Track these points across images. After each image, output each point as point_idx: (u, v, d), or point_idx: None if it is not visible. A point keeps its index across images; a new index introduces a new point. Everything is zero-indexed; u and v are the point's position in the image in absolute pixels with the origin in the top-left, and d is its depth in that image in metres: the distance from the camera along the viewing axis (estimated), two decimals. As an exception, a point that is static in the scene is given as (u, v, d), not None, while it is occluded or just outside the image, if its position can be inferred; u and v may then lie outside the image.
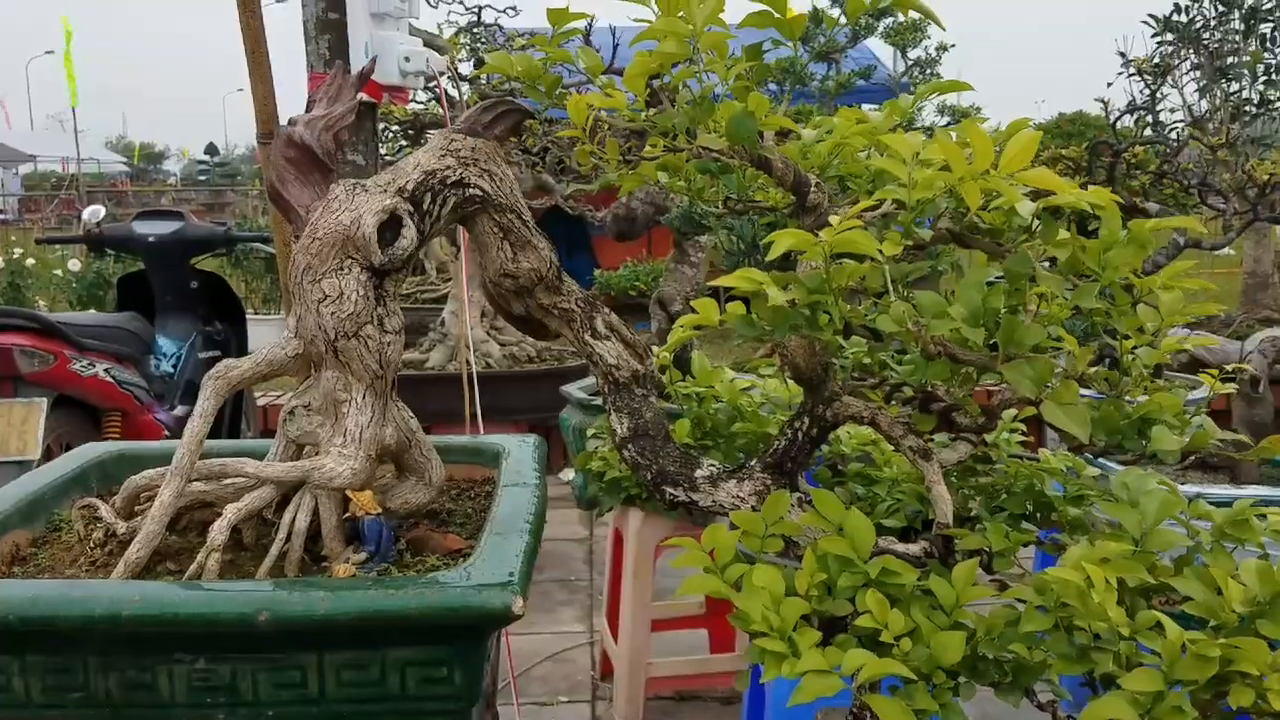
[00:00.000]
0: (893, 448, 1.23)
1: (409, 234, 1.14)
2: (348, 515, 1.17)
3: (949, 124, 5.26)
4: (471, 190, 1.18)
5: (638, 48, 1.09)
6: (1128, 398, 1.09)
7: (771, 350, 1.13)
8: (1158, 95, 5.00)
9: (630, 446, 1.22)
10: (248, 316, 4.96)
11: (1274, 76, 5.34)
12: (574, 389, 3.55)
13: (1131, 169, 3.20)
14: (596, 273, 7.13)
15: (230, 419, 4.36)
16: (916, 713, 0.84)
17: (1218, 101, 5.50)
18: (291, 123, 1.18)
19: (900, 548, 1.04)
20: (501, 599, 0.98)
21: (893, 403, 1.31)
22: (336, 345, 1.14)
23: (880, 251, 0.94)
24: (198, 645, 0.98)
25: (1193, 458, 2.64)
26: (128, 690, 0.99)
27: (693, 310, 1.14)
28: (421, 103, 5.00)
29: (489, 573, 1.02)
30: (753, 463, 1.19)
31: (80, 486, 1.34)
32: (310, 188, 1.16)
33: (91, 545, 1.17)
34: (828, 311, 0.95)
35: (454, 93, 4.07)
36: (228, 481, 1.17)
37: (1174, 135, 3.29)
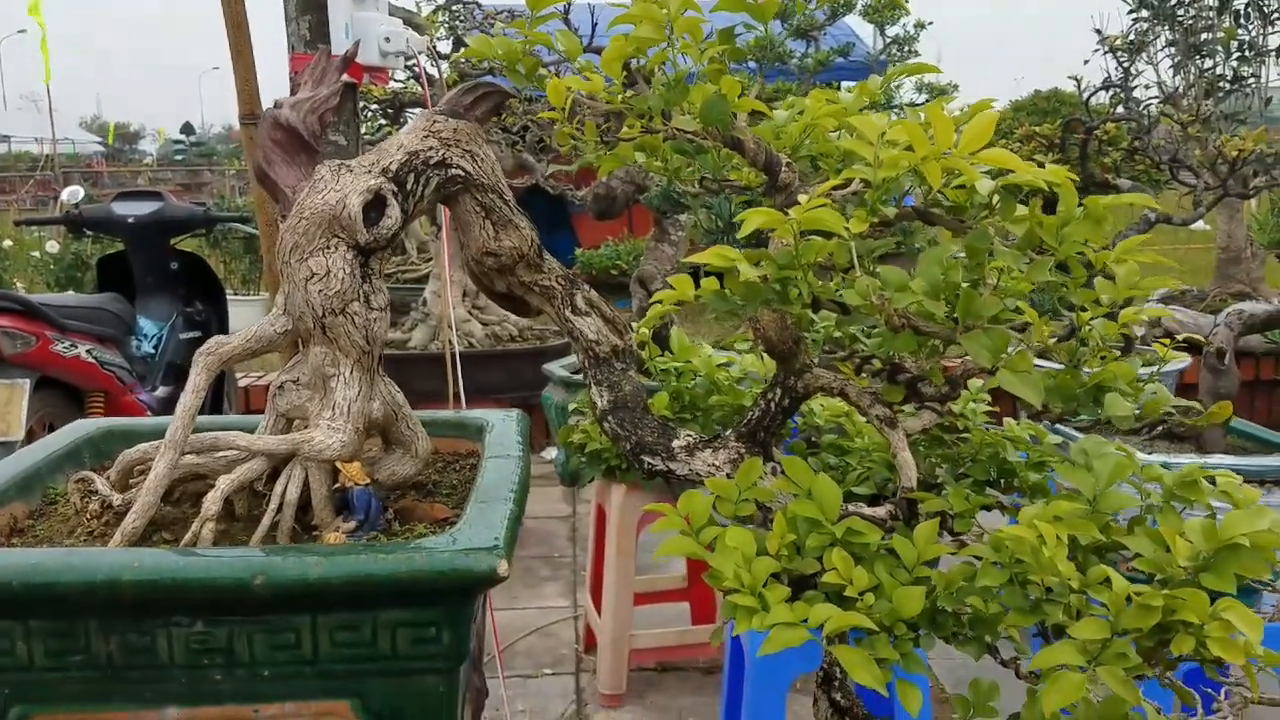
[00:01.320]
0: (862, 417, 1.28)
1: (393, 213, 1.17)
2: (337, 486, 1.21)
3: (927, 101, 5.30)
4: (454, 170, 1.22)
5: (615, 30, 1.13)
6: (1086, 367, 1.15)
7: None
8: (1132, 72, 5.07)
9: (610, 418, 1.27)
10: (228, 297, 4.97)
11: (1247, 53, 5.42)
12: (556, 367, 3.60)
13: (1104, 146, 3.26)
14: (578, 251, 7.15)
15: (212, 400, 4.38)
16: (879, 661, 0.89)
17: (1192, 78, 5.58)
18: (278, 105, 1.22)
19: (867, 511, 1.10)
20: (487, 562, 1.03)
21: (863, 374, 1.37)
22: (324, 322, 1.18)
23: (847, 228, 0.98)
24: (195, 609, 1.02)
25: (1160, 428, 2.72)
26: (128, 653, 1.03)
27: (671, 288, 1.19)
28: (400, 81, 5.01)
29: (475, 538, 1.07)
30: (727, 433, 1.24)
31: (74, 461, 1.38)
32: (296, 169, 1.19)
33: (88, 517, 1.21)
34: (797, 286, 1.00)
35: (433, 71, 4.08)
36: (220, 454, 1.21)
37: (1148, 112, 3.35)
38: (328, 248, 1.16)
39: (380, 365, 1.25)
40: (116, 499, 1.20)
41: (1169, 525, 0.99)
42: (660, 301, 1.30)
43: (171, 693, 1.05)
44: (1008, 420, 1.49)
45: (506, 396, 4.87)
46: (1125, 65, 3.45)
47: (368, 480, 1.22)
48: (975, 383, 1.47)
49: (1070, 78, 3.58)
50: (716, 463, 1.20)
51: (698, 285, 1.17)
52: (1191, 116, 3.35)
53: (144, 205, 4.61)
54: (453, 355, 3.34)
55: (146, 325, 4.57)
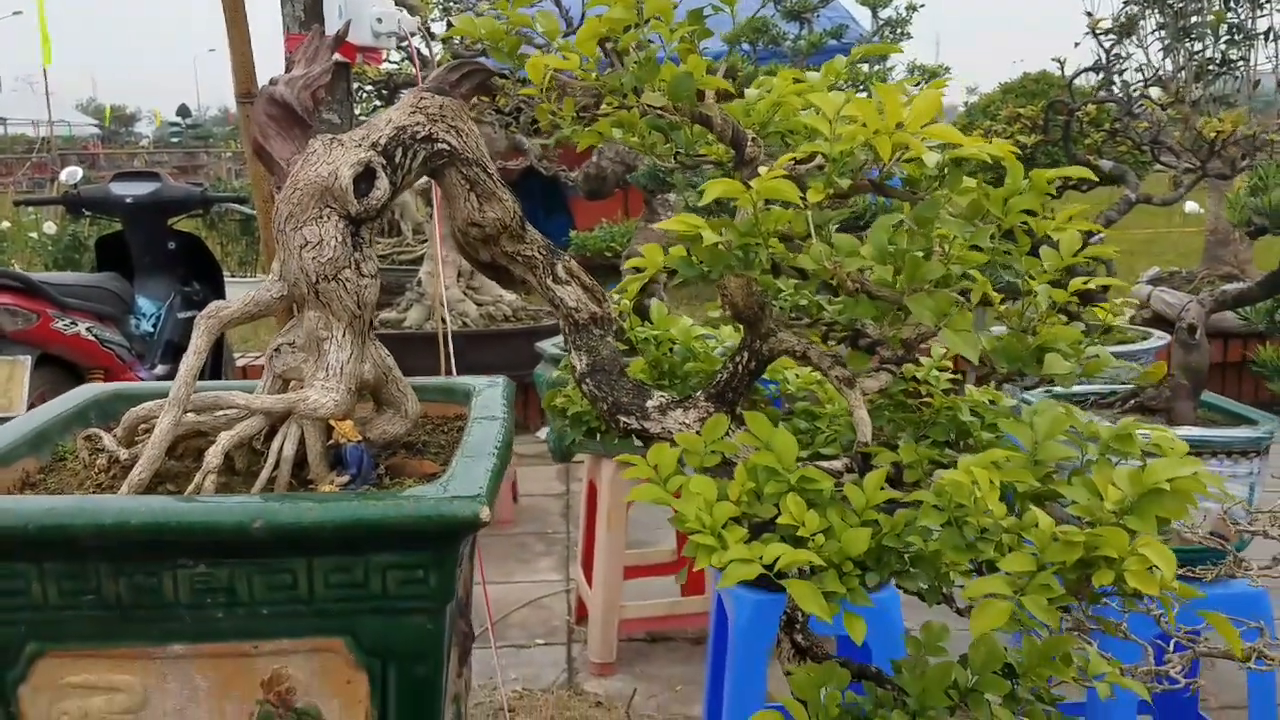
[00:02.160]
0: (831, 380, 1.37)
1: (382, 185, 1.25)
2: (331, 443, 1.30)
3: (919, 85, 5.39)
4: (440, 145, 1.29)
5: (592, 12, 1.21)
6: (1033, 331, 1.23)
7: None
8: (1120, 55, 5.15)
9: (589, 381, 1.35)
10: (225, 278, 5.04)
11: (1235, 36, 5.49)
12: (548, 345, 3.68)
13: (1085, 127, 3.34)
14: (572, 234, 7.22)
15: (210, 378, 4.46)
16: (828, 595, 0.98)
17: (1181, 60, 5.65)
18: (273, 82, 1.29)
19: (825, 463, 1.18)
20: (470, 508, 1.11)
21: (830, 341, 1.45)
22: (318, 287, 1.26)
23: (803, 198, 1.07)
24: (199, 551, 1.10)
25: (1132, 401, 2.79)
26: (135, 593, 1.12)
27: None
28: (395, 63, 5.07)
29: (460, 487, 1.15)
30: (698, 394, 1.33)
31: (81, 422, 1.46)
32: (291, 142, 1.27)
33: (96, 471, 1.30)
34: (758, 252, 1.08)
35: (426, 52, 4.15)
36: (220, 413, 1.29)
37: (1136, 94, 3.43)
38: (320, 217, 1.24)
39: (371, 329, 1.33)
40: (123, 454, 1.28)
41: (1102, 475, 1.07)
42: (642, 270, 1.38)
43: (176, 630, 1.14)
44: (968, 387, 1.57)
45: (501, 375, 4.96)
46: (1107, 48, 3.52)
47: (360, 438, 1.30)
48: (939, 350, 1.55)
49: (1054, 59, 3.67)
50: (687, 421, 1.28)
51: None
52: (1171, 98, 3.42)
53: (142, 186, 4.68)
54: (445, 335, 3.41)
55: (145, 304, 4.65)
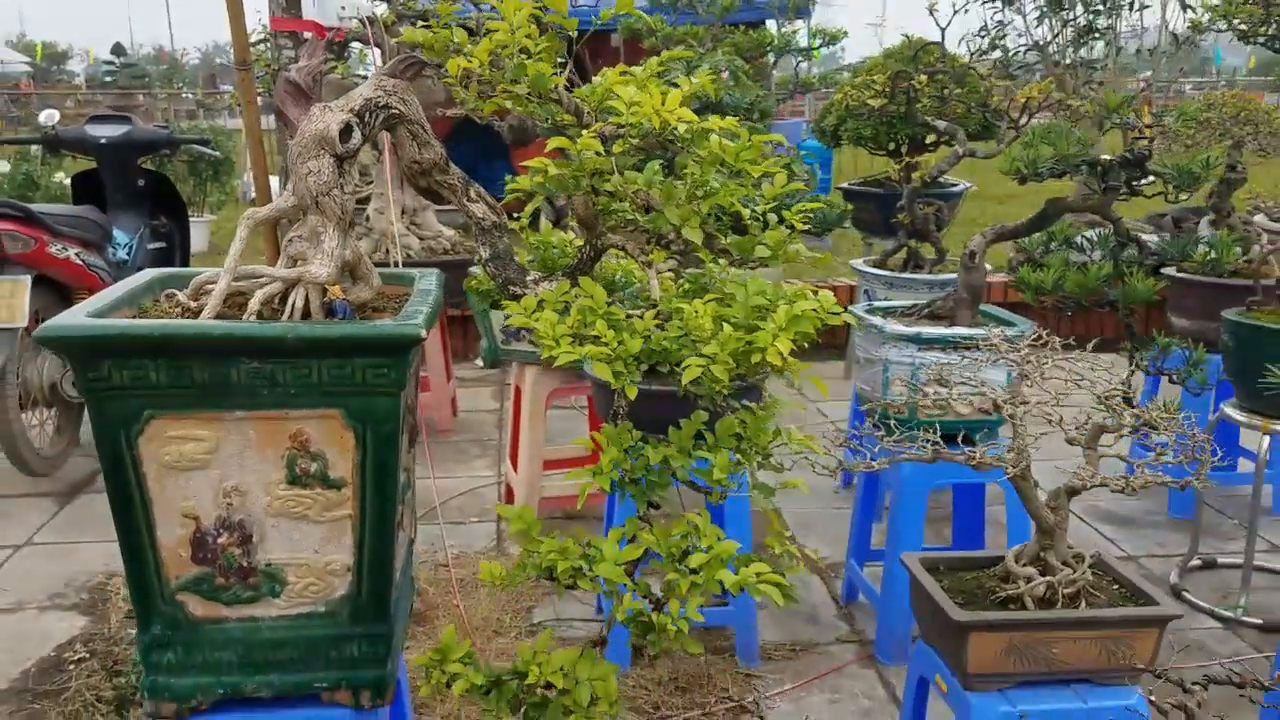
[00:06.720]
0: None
1: (357, 135, 2.08)
2: (326, 300, 2.13)
3: (820, 45, 6.25)
4: (393, 110, 2.13)
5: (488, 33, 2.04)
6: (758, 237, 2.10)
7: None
8: (1002, 21, 6.05)
9: (490, 264, 2.21)
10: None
11: (1100, 6, 6.40)
12: (479, 269, 4.51)
13: (919, 94, 4.20)
14: (506, 178, 7.98)
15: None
16: (616, 375, 1.85)
17: (1056, 27, 6.56)
18: (287, 70, 2.11)
19: (633, 311, 2.05)
20: (415, 330, 1.96)
21: (650, 243, 2.32)
22: (318, 200, 2.09)
23: (609, 150, 1.92)
24: (253, 353, 1.94)
25: (926, 310, 3.71)
26: (213, 380, 1.95)
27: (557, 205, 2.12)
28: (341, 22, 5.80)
29: (409, 320, 2.00)
30: (559, 273, 2.19)
31: (151, 290, 2.28)
32: (300, 108, 2.09)
33: (176, 315, 2.12)
34: (582, 181, 1.94)
35: (374, 12, 4.91)
36: (254, 280, 2.13)
37: (1017, 58, 4.29)
38: (318, 155, 2.06)
39: (351, 227, 2.16)
40: (192, 305, 2.11)
41: (777, 313, 1.94)
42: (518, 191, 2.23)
43: (238, 403, 1.98)
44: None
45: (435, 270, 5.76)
46: (955, 15, 4.37)
47: (344, 297, 2.14)
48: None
49: (903, 35, 4.51)
50: (551, 287, 2.14)
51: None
52: (989, 69, 4.29)
53: (115, 128, 5.40)
54: (396, 262, 4.23)
55: (119, 235, 5.39)
